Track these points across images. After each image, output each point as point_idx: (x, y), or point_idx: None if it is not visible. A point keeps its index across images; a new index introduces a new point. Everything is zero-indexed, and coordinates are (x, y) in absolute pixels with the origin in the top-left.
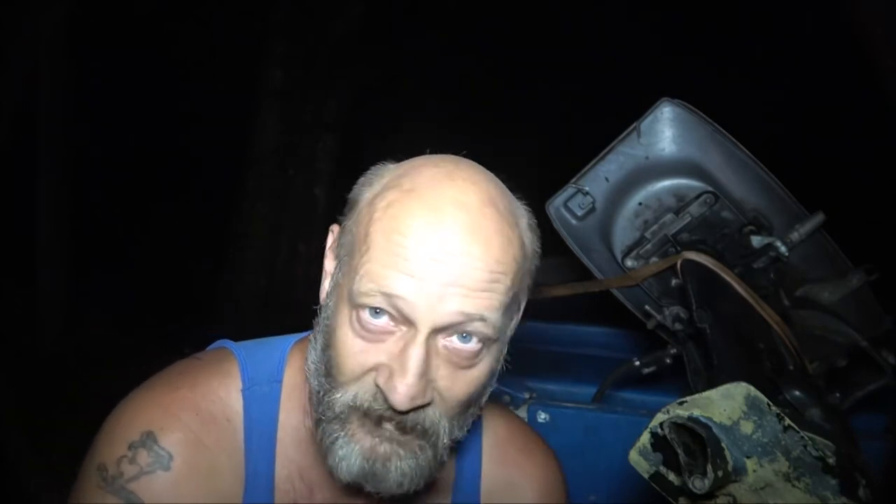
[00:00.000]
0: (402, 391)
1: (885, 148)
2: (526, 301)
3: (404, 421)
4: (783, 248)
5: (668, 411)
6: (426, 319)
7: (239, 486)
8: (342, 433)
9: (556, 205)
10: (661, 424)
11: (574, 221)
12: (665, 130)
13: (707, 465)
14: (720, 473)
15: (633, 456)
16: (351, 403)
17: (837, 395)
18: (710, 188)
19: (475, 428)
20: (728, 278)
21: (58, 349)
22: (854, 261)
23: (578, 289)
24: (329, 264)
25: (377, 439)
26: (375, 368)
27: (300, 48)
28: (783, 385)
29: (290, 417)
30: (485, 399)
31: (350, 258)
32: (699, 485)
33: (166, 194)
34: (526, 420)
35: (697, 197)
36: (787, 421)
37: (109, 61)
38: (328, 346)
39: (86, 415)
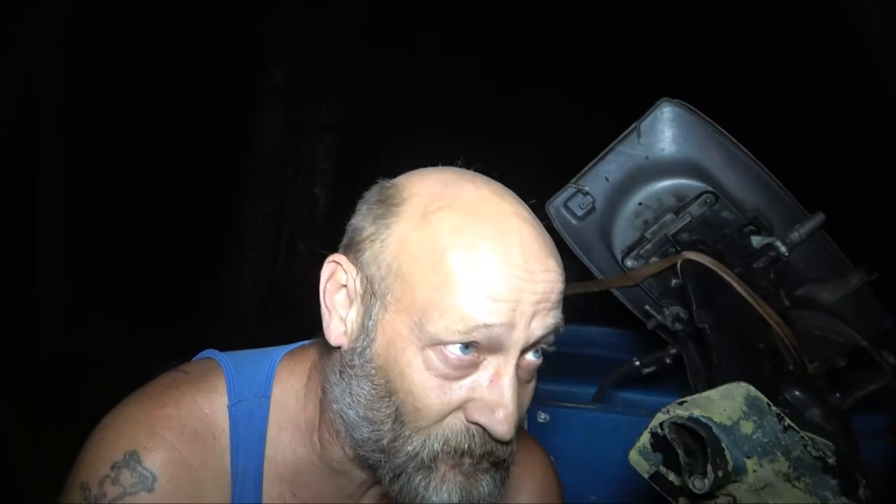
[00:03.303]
0: (508, 421)
1: (885, 148)
2: None
3: (502, 450)
4: (783, 248)
5: (668, 411)
6: (519, 342)
7: None
8: (430, 481)
9: (556, 205)
10: (661, 424)
11: (574, 221)
12: (665, 130)
13: (707, 465)
14: (720, 473)
15: (633, 456)
16: (443, 449)
17: (837, 395)
18: (710, 188)
19: None
20: (728, 278)
21: (58, 349)
22: (854, 261)
23: (578, 289)
24: (340, 302)
25: (464, 476)
26: (461, 406)
27: (300, 48)
28: (783, 385)
29: (281, 434)
30: None
31: (407, 293)
32: (699, 485)
33: (166, 194)
34: (526, 420)
35: (697, 197)
36: (787, 421)
37: (109, 61)
38: (394, 392)
39: (86, 415)
